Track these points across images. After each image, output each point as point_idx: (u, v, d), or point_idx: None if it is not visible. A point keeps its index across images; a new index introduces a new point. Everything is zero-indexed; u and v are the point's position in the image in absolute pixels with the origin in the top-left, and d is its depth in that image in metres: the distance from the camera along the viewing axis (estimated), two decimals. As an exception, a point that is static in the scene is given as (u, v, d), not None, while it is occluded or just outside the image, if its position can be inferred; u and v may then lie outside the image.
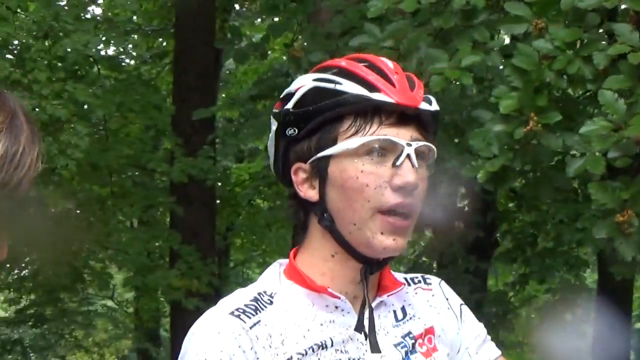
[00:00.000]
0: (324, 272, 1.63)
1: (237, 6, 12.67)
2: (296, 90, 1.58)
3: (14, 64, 8.15)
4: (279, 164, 1.63)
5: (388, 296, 1.68)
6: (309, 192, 1.59)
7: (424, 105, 1.56)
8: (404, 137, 1.54)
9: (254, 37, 11.48)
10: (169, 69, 12.30)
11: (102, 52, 11.45)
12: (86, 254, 10.56)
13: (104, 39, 10.79)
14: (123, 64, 12.13)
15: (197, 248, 9.32)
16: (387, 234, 1.55)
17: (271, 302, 1.62)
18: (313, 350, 1.59)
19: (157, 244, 10.63)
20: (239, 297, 1.63)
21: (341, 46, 4.73)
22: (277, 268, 1.69)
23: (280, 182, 1.70)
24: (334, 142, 1.54)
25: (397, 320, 1.71)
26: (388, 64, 1.61)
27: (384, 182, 1.53)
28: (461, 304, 1.80)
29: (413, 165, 1.52)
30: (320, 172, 1.57)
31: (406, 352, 1.68)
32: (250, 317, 1.57)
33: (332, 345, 1.60)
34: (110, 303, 16.63)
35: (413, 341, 1.69)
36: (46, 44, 8.28)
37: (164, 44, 13.21)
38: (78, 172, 9.24)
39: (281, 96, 1.63)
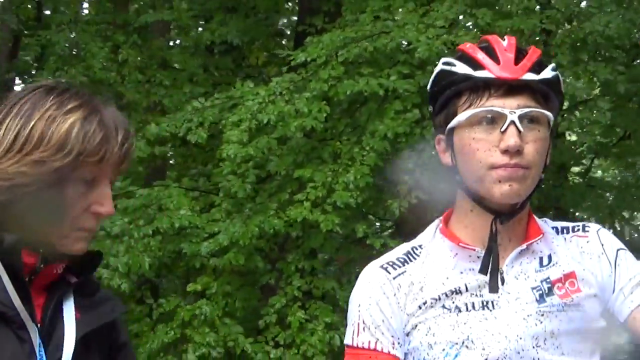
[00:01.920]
0: (466, 225, 1.90)
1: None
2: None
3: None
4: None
5: (530, 244, 1.88)
6: (446, 159, 1.88)
7: (528, 76, 1.79)
8: (510, 106, 1.77)
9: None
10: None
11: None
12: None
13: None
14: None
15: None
16: (504, 181, 1.77)
17: (418, 256, 1.94)
18: (447, 296, 1.86)
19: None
20: (395, 251, 1.99)
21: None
22: (436, 223, 1.99)
23: None
24: (454, 115, 1.82)
25: (541, 265, 1.90)
26: (502, 42, 1.85)
27: (493, 146, 1.78)
28: (618, 249, 1.92)
29: (518, 130, 1.75)
30: (449, 141, 1.85)
31: (541, 295, 1.86)
32: (395, 269, 1.93)
33: (467, 290, 1.86)
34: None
35: (549, 285, 1.86)
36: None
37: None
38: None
39: None
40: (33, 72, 11.78)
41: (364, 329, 1.94)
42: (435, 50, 6.67)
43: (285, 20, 11.73)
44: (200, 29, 10.11)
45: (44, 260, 1.83)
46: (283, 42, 10.71)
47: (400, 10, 7.55)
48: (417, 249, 1.99)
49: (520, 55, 1.84)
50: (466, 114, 1.81)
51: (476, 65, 1.83)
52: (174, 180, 8.30)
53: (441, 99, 1.88)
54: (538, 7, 7.86)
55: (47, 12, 12.14)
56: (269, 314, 7.08)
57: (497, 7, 7.44)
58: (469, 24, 7.73)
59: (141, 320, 7.53)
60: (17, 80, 12.33)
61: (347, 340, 1.95)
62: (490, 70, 1.81)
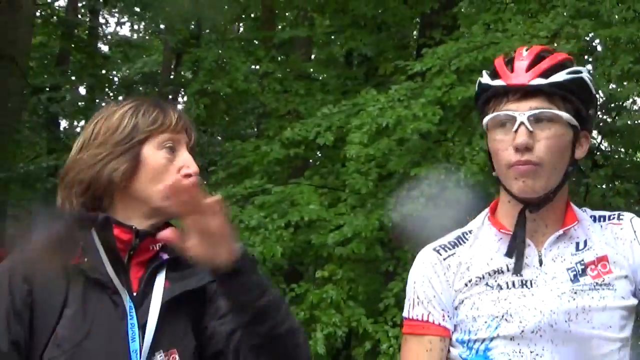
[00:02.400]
0: (507, 214, 2.04)
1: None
2: None
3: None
4: None
5: (567, 230, 2.01)
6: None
7: (536, 81, 1.91)
8: (522, 108, 1.91)
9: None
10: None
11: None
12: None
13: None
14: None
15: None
16: (518, 178, 1.92)
17: (467, 240, 2.09)
18: (490, 275, 2.00)
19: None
20: (449, 235, 2.15)
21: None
22: (485, 212, 2.14)
23: None
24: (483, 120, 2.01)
25: (577, 249, 2.02)
26: (522, 52, 1.99)
27: (509, 145, 1.91)
28: None
29: (528, 129, 1.89)
30: (487, 141, 2.03)
31: (575, 275, 1.97)
32: (446, 251, 2.08)
33: (508, 271, 1.99)
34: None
35: (583, 267, 1.98)
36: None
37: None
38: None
39: None
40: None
41: (418, 303, 2.08)
42: None
43: (414, 33, 12.18)
44: (338, 42, 10.75)
45: (138, 237, 2.03)
46: (410, 54, 11.20)
47: (509, 21, 7.90)
48: (467, 234, 2.14)
49: (535, 62, 1.95)
50: (487, 118, 1.98)
51: (496, 75, 1.99)
52: (308, 178, 8.95)
53: (478, 105, 2.06)
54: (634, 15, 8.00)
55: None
56: (387, 297, 7.53)
57: (593, 18, 7.64)
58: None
59: None
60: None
61: (405, 313, 2.10)
62: (504, 79, 1.96)
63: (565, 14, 7.63)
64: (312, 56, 12.14)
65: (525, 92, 1.93)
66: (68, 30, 17.34)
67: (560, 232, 2.01)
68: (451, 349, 2.07)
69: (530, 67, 1.94)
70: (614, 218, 2.09)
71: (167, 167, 2.01)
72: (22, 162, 15.72)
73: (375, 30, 10.44)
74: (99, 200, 2.03)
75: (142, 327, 1.98)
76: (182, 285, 2.06)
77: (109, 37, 19.44)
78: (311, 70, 10.37)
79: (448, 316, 2.06)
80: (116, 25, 20.54)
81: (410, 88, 7.73)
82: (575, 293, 1.96)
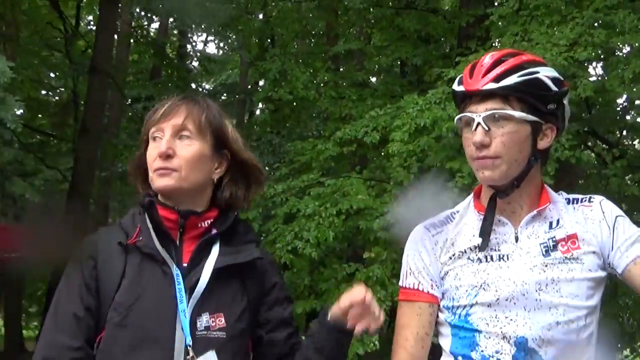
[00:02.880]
0: (487, 198, 2.09)
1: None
2: None
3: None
4: None
5: (541, 210, 2.06)
6: None
7: (488, 86, 1.96)
8: (480, 110, 1.97)
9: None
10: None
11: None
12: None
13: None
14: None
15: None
16: (479, 170, 2.01)
17: (454, 219, 2.17)
18: (471, 250, 2.08)
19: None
20: (439, 215, 2.21)
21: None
22: (471, 195, 2.21)
23: None
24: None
25: (550, 227, 2.07)
26: (485, 58, 2.04)
27: (471, 142, 1.99)
28: (617, 216, 2.07)
29: (484, 128, 1.96)
30: None
31: (546, 250, 2.03)
32: (435, 229, 2.17)
33: (488, 246, 2.06)
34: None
35: (554, 243, 2.04)
36: None
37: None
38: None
39: None
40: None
41: (410, 274, 2.16)
42: (557, 66, 7.17)
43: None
44: (387, 54, 11.40)
45: (183, 216, 2.12)
46: (451, 62, 11.68)
47: (534, 32, 8.27)
48: (454, 213, 2.20)
49: (492, 67, 2.00)
50: (456, 119, 2.08)
51: (460, 81, 2.06)
52: (358, 172, 9.43)
53: (456, 106, 2.13)
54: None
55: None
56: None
57: (609, 28, 7.95)
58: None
59: (328, 281, 8.62)
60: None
61: (400, 283, 2.18)
62: (464, 85, 2.03)
63: (583, 24, 7.93)
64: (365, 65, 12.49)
65: (482, 95, 1.98)
66: (159, 48, 18.61)
67: (535, 212, 2.06)
68: (439, 314, 2.14)
69: (486, 72, 1.98)
70: (585, 201, 2.13)
71: (152, 154, 2.12)
72: (121, 163, 16.90)
73: (421, 42, 10.95)
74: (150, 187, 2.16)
75: (191, 291, 2.06)
76: (231, 259, 2.13)
77: (197, 53, 20.64)
78: (363, 78, 11.00)
79: (436, 285, 2.13)
80: (204, 44, 21.65)
81: (446, 92, 8.10)
82: (546, 266, 2.01)
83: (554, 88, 2.02)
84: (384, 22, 11.08)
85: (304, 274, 8.82)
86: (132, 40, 18.35)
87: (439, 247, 2.15)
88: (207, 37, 20.16)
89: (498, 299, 2.02)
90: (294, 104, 11.84)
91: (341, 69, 11.58)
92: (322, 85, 10.67)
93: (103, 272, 2.07)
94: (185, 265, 2.10)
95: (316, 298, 8.68)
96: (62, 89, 19.05)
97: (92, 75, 13.00)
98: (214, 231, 2.15)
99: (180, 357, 2.01)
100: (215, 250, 2.14)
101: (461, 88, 2.03)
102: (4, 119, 6.24)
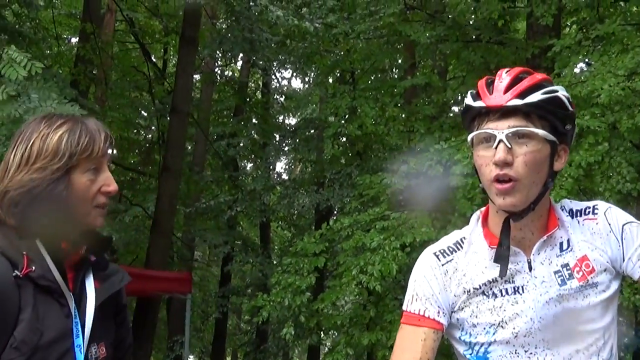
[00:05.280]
0: (496, 222, 2.03)
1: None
2: None
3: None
4: None
5: (550, 235, 1.99)
6: None
7: (513, 102, 1.88)
8: (502, 127, 1.89)
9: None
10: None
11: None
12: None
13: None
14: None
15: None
16: (499, 195, 1.92)
17: (462, 246, 2.10)
18: (485, 285, 2.02)
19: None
20: (447, 239, 2.15)
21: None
22: (477, 215, 2.13)
23: None
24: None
25: (561, 250, 2.01)
26: (502, 74, 1.97)
27: (490, 161, 1.91)
28: (624, 224, 2.01)
29: (507, 146, 1.87)
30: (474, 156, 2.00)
31: (562, 280, 1.98)
32: (445, 257, 2.10)
33: (499, 279, 2.00)
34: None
35: (570, 271, 1.98)
36: None
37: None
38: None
39: None
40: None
41: (417, 299, 2.10)
42: (615, 96, 7.37)
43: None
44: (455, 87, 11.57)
45: (73, 246, 2.06)
46: None
47: (594, 62, 8.35)
48: (462, 240, 2.13)
49: (514, 83, 1.92)
50: (470, 136, 1.97)
51: (477, 96, 1.97)
52: (422, 205, 9.31)
53: (464, 124, 2.04)
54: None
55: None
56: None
57: None
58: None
59: (394, 312, 8.79)
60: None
61: (404, 306, 2.12)
62: (484, 100, 1.93)
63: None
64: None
65: (504, 112, 1.90)
66: (241, 87, 19.32)
67: (544, 237, 2.01)
68: (456, 345, 2.13)
69: (508, 88, 1.91)
70: (589, 212, 2.07)
71: (90, 188, 2.04)
72: (207, 198, 17.53)
73: (490, 74, 11.02)
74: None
75: (82, 324, 2.03)
76: (109, 287, 2.15)
77: (281, 89, 21.29)
78: (431, 111, 11.21)
79: (443, 313, 2.08)
80: (289, 80, 22.26)
81: None
82: (562, 297, 1.98)
83: (570, 108, 1.98)
84: (453, 57, 11.26)
85: (370, 306, 9.01)
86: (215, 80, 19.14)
87: (448, 277, 2.09)
88: (292, 73, 20.76)
89: (516, 336, 2.00)
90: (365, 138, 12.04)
91: (412, 102, 11.78)
92: (392, 119, 10.88)
93: None
94: (72, 294, 2.04)
95: (382, 330, 8.86)
96: (153, 128, 19.89)
97: (172, 115, 13.69)
98: (93, 258, 2.13)
99: None
100: (91, 276, 2.12)
101: (480, 103, 1.95)
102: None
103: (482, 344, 2.04)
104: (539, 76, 1.97)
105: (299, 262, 9.46)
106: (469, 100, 1.98)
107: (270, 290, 9.65)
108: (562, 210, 2.07)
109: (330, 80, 16.64)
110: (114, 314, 2.21)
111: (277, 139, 17.98)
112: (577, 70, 9.33)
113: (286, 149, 17.57)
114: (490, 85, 1.95)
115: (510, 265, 1.99)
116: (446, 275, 2.09)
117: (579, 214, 2.06)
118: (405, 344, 2.06)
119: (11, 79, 6.14)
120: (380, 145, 11.96)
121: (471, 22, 11.67)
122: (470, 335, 2.06)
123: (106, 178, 2.05)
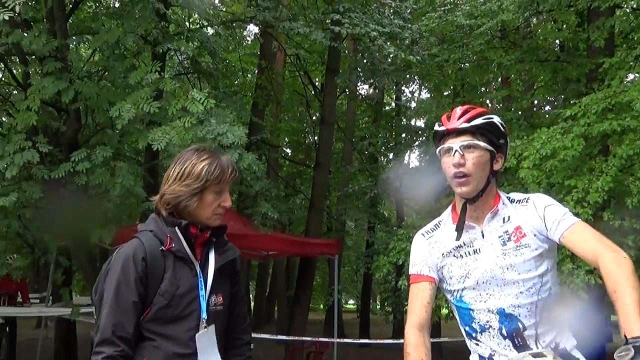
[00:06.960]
0: (460, 206, 2.19)
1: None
2: None
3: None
4: None
5: (494, 211, 2.13)
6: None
7: (462, 125, 2.07)
8: (457, 142, 2.08)
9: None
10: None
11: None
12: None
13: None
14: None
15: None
16: (457, 186, 2.10)
17: (439, 226, 2.27)
18: (454, 249, 2.18)
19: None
20: (430, 223, 2.30)
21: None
22: (451, 205, 2.27)
23: None
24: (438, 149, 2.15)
25: (503, 222, 2.14)
26: (457, 109, 2.14)
27: (451, 164, 2.10)
28: (545, 207, 2.10)
29: (460, 154, 2.06)
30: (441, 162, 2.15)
31: (504, 242, 2.11)
32: (429, 234, 2.27)
33: (464, 245, 2.16)
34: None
35: (508, 235, 2.11)
36: None
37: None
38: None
39: None
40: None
41: (414, 265, 2.26)
42: None
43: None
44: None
45: (200, 230, 2.17)
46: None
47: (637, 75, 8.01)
48: (440, 222, 2.28)
49: (464, 114, 2.10)
50: (438, 149, 2.15)
51: (440, 124, 2.15)
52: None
53: (434, 142, 2.19)
54: None
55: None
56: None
57: None
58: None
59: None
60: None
61: (409, 272, 2.27)
62: (444, 125, 2.12)
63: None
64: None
65: (458, 132, 2.09)
66: (377, 101, 19.41)
67: (490, 212, 2.15)
68: (446, 294, 2.26)
69: (460, 117, 2.10)
70: (523, 202, 2.17)
71: (213, 202, 2.18)
72: (353, 185, 17.78)
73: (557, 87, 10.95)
74: (177, 212, 2.20)
75: (205, 282, 2.15)
76: (224, 257, 2.26)
77: (409, 99, 21.29)
78: (512, 116, 11.05)
79: (432, 271, 2.23)
80: (417, 91, 22.13)
81: (562, 127, 8.10)
82: (505, 254, 2.10)
83: (502, 129, 2.15)
84: (514, 69, 11.19)
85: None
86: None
87: (431, 247, 2.25)
88: (419, 87, 20.73)
89: (477, 283, 2.13)
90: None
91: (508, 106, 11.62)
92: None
93: (151, 269, 2.08)
94: (199, 262, 2.17)
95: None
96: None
97: (321, 125, 14.33)
98: (213, 239, 2.25)
99: (201, 325, 2.13)
100: (213, 250, 2.24)
101: (442, 128, 2.13)
102: (251, 164, 6.83)
103: (457, 290, 2.18)
104: (479, 109, 2.15)
105: (409, 232, 9.61)
106: (436, 127, 2.17)
107: (389, 253, 9.86)
108: (508, 199, 2.20)
109: (446, 93, 16.46)
110: (230, 275, 2.31)
111: (406, 138, 18.09)
112: (627, 80, 8.86)
113: (416, 144, 17.58)
114: (449, 117, 2.14)
115: (469, 235, 2.15)
116: (429, 246, 2.25)
117: (517, 202, 2.18)
118: (412, 295, 2.23)
119: (193, 112, 6.46)
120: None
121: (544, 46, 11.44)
122: (450, 285, 2.21)
123: (225, 197, 2.20)
